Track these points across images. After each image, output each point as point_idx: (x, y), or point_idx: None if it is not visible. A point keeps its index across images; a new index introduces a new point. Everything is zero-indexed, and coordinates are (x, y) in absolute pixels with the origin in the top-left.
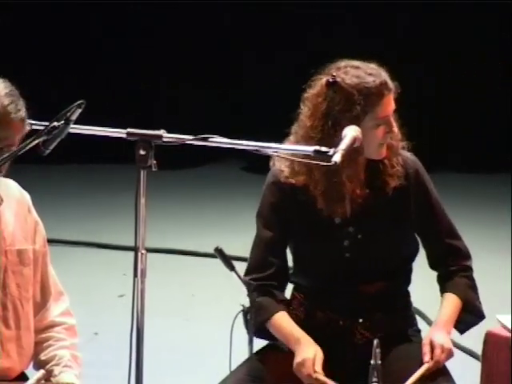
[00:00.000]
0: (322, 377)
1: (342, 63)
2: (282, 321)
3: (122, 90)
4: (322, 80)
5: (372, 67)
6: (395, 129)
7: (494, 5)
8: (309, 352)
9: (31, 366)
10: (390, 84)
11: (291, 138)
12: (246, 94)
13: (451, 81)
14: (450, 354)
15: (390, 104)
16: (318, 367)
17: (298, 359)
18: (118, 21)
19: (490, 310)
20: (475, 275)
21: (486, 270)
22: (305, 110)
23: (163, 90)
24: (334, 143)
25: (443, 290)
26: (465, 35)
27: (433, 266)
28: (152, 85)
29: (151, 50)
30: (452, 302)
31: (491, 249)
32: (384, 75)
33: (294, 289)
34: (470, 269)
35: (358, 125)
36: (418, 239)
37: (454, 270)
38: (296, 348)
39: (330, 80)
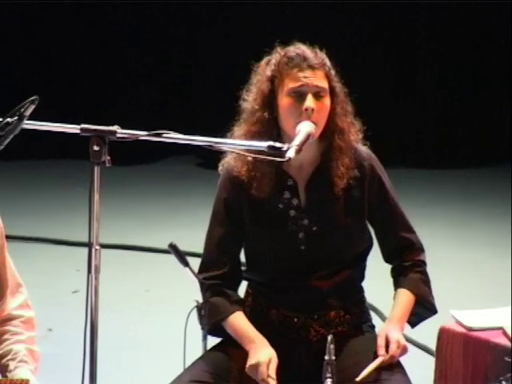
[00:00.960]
0: (274, 383)
1: None
2: (237, 321)
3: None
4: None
5: (309, 48)
6: (311, 105)
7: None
8: (263, 355)
9: None
10: (313, 61)
11: (237, 128)
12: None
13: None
14: (404, 350)
15: (305, 78)
16: (272, 372)
17: (251, 361)
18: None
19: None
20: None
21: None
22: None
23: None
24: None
25: (397, 285)
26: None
27: (387, 259)
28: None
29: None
30: (405, 297)
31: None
32: (311, 54)
33: (249, 286)
34: (423, 263)
35: (275, 96)
36: (372, 233)
37: (407, 266)
38: (250, 349)
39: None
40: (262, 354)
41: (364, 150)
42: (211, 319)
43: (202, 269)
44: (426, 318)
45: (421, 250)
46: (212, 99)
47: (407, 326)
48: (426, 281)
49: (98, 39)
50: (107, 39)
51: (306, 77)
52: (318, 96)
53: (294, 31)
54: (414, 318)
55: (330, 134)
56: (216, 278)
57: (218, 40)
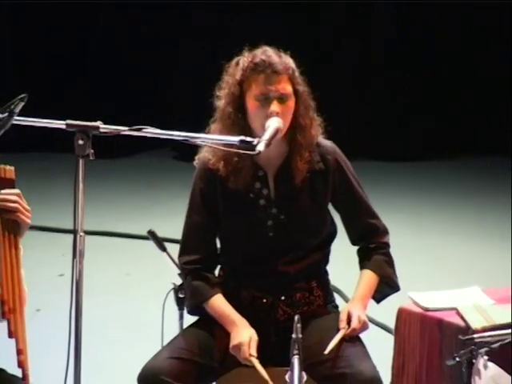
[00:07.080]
0: (255, 362)
1: None
2: (218, 303)
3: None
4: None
5: (275, 52)
6: (275, 110)
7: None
8: (244, 335)
9: None
10: (278, 67)
11: (213, 125)
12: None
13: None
14: (365, 325)
15: (271, 86)
16: (253, 351)
17: (234, 342)
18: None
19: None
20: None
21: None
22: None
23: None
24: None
25: (362, 266)
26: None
27: (354, 242)
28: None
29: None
30: (369, 278)
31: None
32: (276, 58)
33: (221, 268)
34: (387, 245)
35: (244, 98)
36: (338, 220)
37: (372, 248)
38: (232, 330)
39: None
40: (244, 334)
41: (328, 144)
42: (192, 301)
43: (182, 253)
44: (390, 295)
45: (385, 232)
46: (187, 97)
47: (372, 304)
48: (389, 262)
49: (80, 37)
50: (91, 37)
51: (271, 84)
52: (282, 100)
53: (266, 33)
54: (379, 295)
55: (293, 130)
56: (195, 262)
57: (195, 39)
